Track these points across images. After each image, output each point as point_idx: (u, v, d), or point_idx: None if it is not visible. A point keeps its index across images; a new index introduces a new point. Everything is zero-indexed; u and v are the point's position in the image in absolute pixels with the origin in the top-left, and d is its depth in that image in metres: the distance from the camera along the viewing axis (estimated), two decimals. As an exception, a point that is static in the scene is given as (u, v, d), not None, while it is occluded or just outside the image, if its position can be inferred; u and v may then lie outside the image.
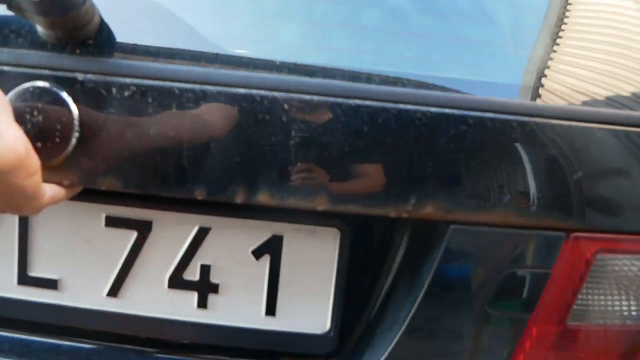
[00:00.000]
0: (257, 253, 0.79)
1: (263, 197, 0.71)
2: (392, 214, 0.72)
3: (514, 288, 0.77)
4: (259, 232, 0.79)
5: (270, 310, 0.81)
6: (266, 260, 0.80)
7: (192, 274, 0.80)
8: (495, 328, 0.78)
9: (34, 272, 0.81)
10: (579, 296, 0.78)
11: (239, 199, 0.71)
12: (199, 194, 0.71)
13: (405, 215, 0.72)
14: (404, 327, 0.77)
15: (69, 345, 0.82)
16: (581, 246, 0.76)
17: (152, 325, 0.81)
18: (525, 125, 0.72)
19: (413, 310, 0.77)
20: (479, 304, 0.77)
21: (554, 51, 0.84)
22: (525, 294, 0.77)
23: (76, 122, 0.68)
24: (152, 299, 0.81)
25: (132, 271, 0.80)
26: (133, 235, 0.79)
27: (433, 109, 0.71)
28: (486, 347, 0.79)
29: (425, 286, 0.76)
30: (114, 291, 0.81)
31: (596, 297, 0.79)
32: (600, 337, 0.80)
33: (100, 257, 0.80)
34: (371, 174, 0.71)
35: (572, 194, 0.74)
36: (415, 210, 0.72)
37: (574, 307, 0.78)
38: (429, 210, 0.72)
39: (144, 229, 0.79)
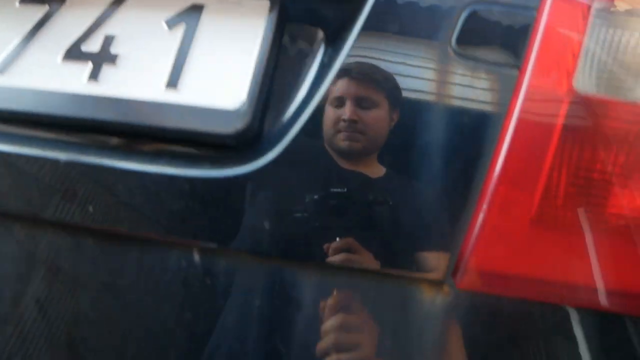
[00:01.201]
0: (171, 22, 0.67)
1: None
2: None
3: (485, 23, 0.57)
4: (179, 2, 0.68)
5: (173, 82, 0.63)
6: (180, 29, 0.66)
7: (93, 45, 0.67)
8: (474, 83, 0.56)
9: None
10: (582, 58, 0.56)
11: None
12: None
13: None
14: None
15: None
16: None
17: (31, 99, 0.65)
18: None
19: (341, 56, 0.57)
20: (437, 42, 0.56)
21: None
22: (505, 37, 0.57)
23: None
24: (41, 73, 0.67)
25: (29, 47, 0.69)
26: (43, 10, 0.70)
27: None
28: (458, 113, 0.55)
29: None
30: (3, 68, 0.68)
31: (609, 60, 0.56)
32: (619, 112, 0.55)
33: (3, 37, 0.70)
34: None
35: None
36: None
37: (579, 69, 0.56)
38: None
39: (56, 2, 0.70)
